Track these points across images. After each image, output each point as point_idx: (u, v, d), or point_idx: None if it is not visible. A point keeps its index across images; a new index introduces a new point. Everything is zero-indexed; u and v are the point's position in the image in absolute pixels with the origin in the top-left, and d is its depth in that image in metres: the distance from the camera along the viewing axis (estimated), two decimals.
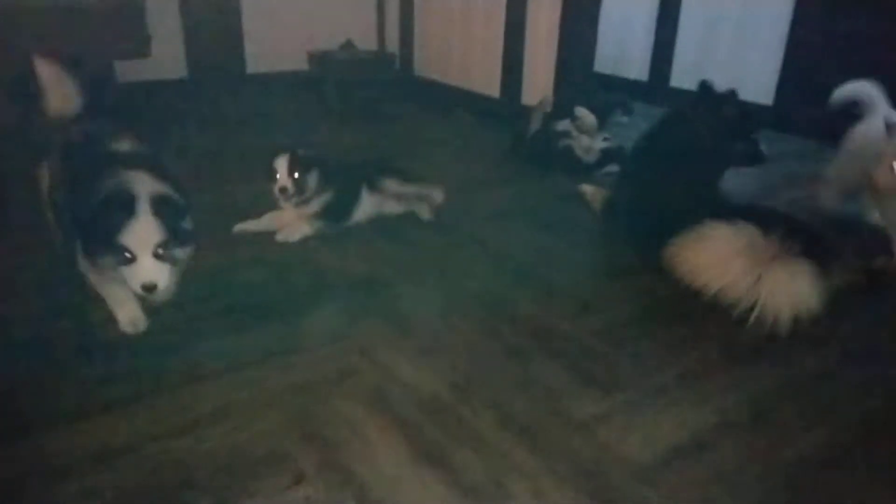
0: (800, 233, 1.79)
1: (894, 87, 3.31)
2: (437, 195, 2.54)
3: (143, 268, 1.54)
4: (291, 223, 2.31)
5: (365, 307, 1.88)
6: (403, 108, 4.33)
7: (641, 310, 1.93)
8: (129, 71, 3.89)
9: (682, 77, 4.31)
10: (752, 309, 1.74)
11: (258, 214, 2.38)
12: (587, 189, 2.67)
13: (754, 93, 3.88)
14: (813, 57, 3.63)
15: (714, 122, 2.19)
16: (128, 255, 1.53)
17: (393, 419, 1.42)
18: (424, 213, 2.50)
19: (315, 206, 2.31)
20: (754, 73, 3.91)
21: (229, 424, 1.39)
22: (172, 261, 1.59)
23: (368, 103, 4.31)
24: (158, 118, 3.74)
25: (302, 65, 4.59)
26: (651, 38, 4.46)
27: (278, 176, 2.24)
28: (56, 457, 1.29)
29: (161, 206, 1.54)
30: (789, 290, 1.71)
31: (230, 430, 1.38)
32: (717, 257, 1.77)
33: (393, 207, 2.52)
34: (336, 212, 2.36)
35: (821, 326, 1.76)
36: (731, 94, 2.20)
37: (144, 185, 1.56)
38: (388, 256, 2.22)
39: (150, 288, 1.54)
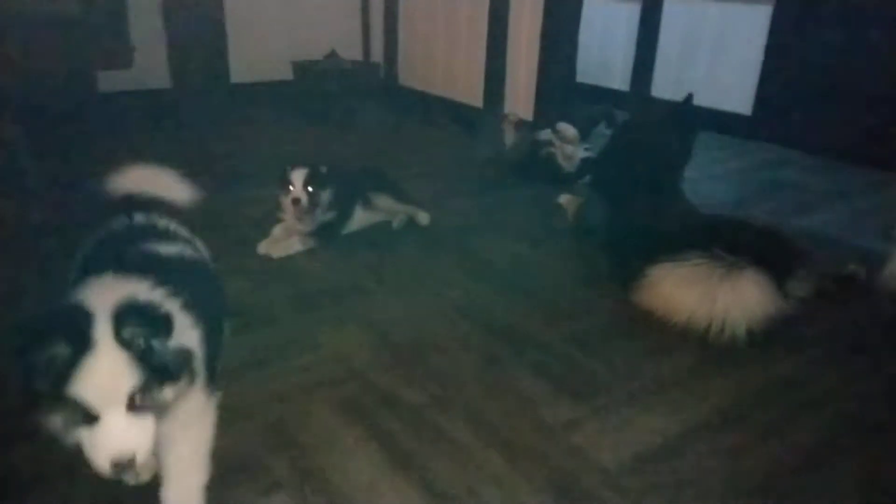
0: (754, 244, 1.82)
1: (870, 98, 3.39)
2: (423, 218, 2.56)
3: (111, 431, 0.91)
4: (282, 237, 2.31)
5: (344, 316, 1.89)
6: (388, 117, 4.35)
7: (616, 318, 1.96)
8: (111, 81, 3.88)
9: (663, 87, 4.37)
10: (712, 327, 1.77)
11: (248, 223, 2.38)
12: (564, 198, 2.70)
13: (732, 103, 3.95)
14: (790, 68, 3.70)
15: (665, 128, 2.25)
16: (86, 413, 0.90)
17: (369, 427, 1.43)
18: (396, 222, 2.55)
19: (316, 221, 2.32)
20: (733, 84, 3.98)
21: None
22: (158, 407, 0.97)
23: (353, 113, 4.33)
24: (141, 128, 3.74)
25: (286, 75, 4.60)
26: (632, 49, 4.52)
27: (292, 188, 2.24)
28: (27, 466, 1.30)
29: (132, 325, 0.92)
30: (740, 305, 1.74)
31: None
32: (674, 293, 1.81)
33: (376, 219, 2.54)
34: (330, 228, 2.37)
35: (791, 333, 1.80)
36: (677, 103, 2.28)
37: (111, 294, 0.95)
38: (368, 265, 2.24)
39: (121, 464, 0.91)
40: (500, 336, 1.82)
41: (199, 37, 4.35)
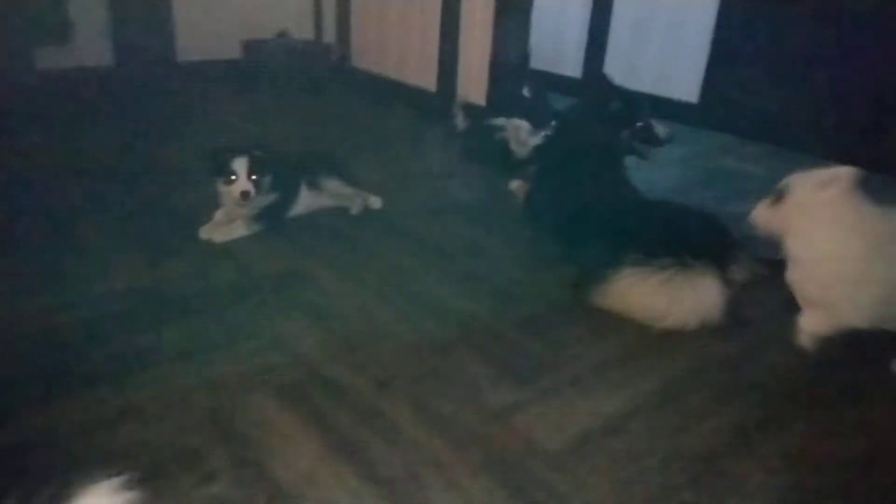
0: (700, 234, 1.86)
1: (810, 87, 3.49)
2: (375, 202, 2.53)
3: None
4: (224, 222, 2.25)
5: (287, 302, 1.86)
6: (340, 100, 4.28)
7: (563, 300, 1.97)
8: (49, 58, 3.71)
9: (615, 74, 4.39)
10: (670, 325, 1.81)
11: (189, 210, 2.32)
12: (515, 184, 2.71)
13: (681, 90, 4.02)
14: (735, 57, 3.78)
15: (601, 115, 2.28)
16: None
17: (310, 414, 1.41)
18: (354, 208, 2.49)
19: (256, 206, 2.25)
20: (681, 72, 4.04)
21: (136, 423, 1.36)
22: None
23: (303, 94, 4.24)
24: (81, 109, 3.59)
25: (235, 54, 4.48)
26: (585, 36, 4.54)
27: (235, 178, 2.16)
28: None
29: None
30: (701, 309, 1.79)
31: (137, 428, 1.35)
32: (637, 301, 1.82)
33: (326, 202, 2.50)
34: (275, 211, 2.30)
35: (728, 316, 1.84)
36: (607, 84, 2.31)
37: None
38: (314, 250, 2.20)
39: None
40: (448, 321, 1.82)
41: (143, 11, 4.19)
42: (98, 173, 2.72)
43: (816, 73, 3.46)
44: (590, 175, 2.19)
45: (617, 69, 4.41)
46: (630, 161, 2.46)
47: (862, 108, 3.29)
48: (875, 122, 3.25)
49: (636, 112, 2.33)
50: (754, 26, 3.69)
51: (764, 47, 3.65)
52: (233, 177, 2.16)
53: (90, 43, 3.93)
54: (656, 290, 1.77)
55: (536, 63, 4.31)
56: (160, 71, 4.26)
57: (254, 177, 2.17)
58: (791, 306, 1.74)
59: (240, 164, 2.16)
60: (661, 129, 2.33)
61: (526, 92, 3.57)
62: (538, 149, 2.55)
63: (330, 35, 4.77)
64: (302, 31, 4.71)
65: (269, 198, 2.27)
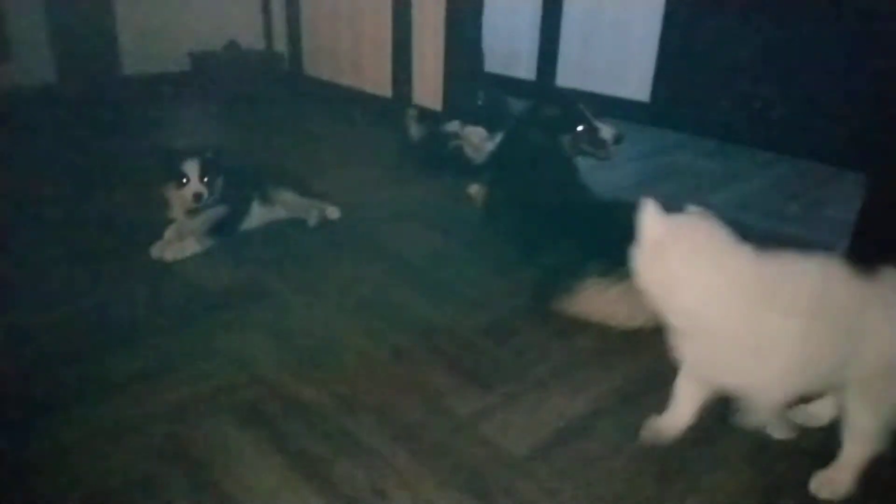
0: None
1: (757, 83, 3.58)
2: (332, 212, 2.49)
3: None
4: (176, 239, 2.18)
5: (244, 319, 1.82)
6: (294, 109, 4.23)
7: (524, 305, 1.97)
8: None
9: (568, 76, 4.45)
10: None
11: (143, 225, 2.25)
12: (473, 188, 2.71)
13: (632, 90, 4.08)
14: (683, 57, 3.85)
15: (538, 121, 2.31)
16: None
17: (270, 434, 1.38)
18: (312, 219, 2.45)
19: (206, 219, 2.19)
20: (632, 72, 4.10)
21: (92, 452, 1.31)
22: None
23: (256, 104, 4.18)
24: (23, 127, 3.47)
25: (184, 66, 4.39)
26: (537, 38, 4.58)
27: (187, 181, 2.11)
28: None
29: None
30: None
31: (94, 458, 1.29)
32: (602, 309, 1.83)
33: (281, 214, 2.45)
34: (226, 226, 2.25)
35: None
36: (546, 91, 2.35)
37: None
38: (270, 264, 2.15)
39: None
40: (411, 330, 1.80)
41: (84, 25, 4.07)
42: (40, 191, 2.63)
43: (761, 68, 3.55)
44: (542, 178, 2.20)
45: (570, 70, 4.47)
46: (588, 162, 2.49)
47: (807, 102, 3.39)
48: (820, 115, 3.35)
49: (574, 117, 2.35)
50: (700, 25, 3.77)
51: (710, 45, 3.73)
52: (184, 180, 2.11)
53: (30, 60, 3.80)
54: (618, 299, 1.78)
55: (491, 66, 4.33)
56: (105, 85, 4.14)
57: (206, 179, 2.13)
58: None
59: (191, 167, 2.11)
60: (608, 130, 2.35)
61: (481, 96, 3.59)
62: (493, 154, 2.55)
63: (281, 43, 4.71)
64: (252, 40, 4.64)
65: (221, 211, 2.22)
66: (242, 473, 1.27)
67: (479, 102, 3.51)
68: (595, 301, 1.83)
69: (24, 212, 2.45)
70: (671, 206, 1.28)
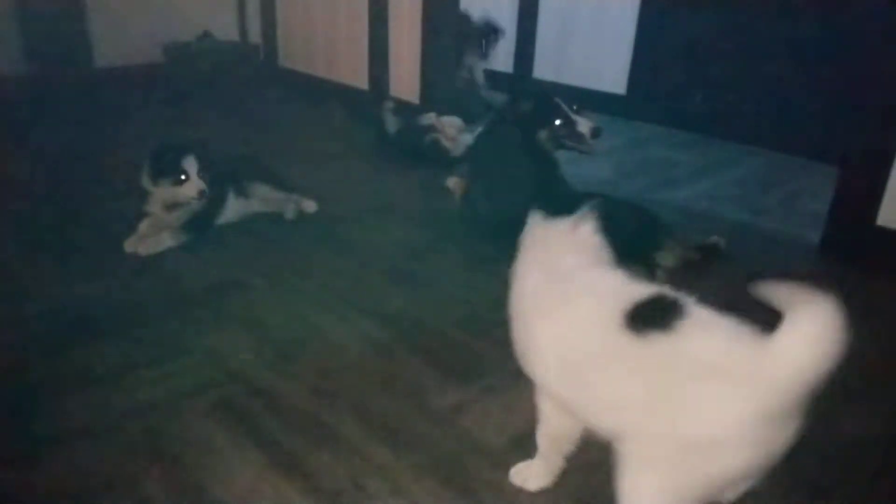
0: (630, 228, 1.91)
1: (729, 77, 3.62)
2: (309, 206, 2.47)
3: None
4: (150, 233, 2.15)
5: (219, 314, 1.80)
6: (269, 101, 4.18)
7: (503, 296, 1.97)
8: None
9: (545, 69, 4.46)
10: None
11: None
12: (452, 181, 2.71)
13: (609, 83, 4.10)
14: (658, 50, 3.88)
15: (518, 116, 2.32)
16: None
17: (248, 430, 1.37)
18: (289, 213, 2.43)
19: (182, 213, 2.16)
20: (609, 65, 4.12)
21: (65, 451, 1.29)
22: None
23: (231, 97, 4.12)
24: None
25: (157, 57, 4.32)
26: (514, 31, 4.58)
27: (186, 177, 2.09)
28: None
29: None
30: None
31: (69, 456, 1.28)
32: None
33: (257, 208, 2.43)
34: (202, 220, 2.22)
35: None
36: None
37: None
38: (246, 258, 2.14)
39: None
40: (389, 324, 1.80)
41: (55, 17, 3.98)
42: (10, 184, 2.58)
43: (735, 62, 3.59)
44: (520, 172, 2.21)
45: (547, 63, 4.48)
46: (566, 155, 2.50)
47: (779, 95, 3.44)
48: (792, 107, 3.40)
49: (550, 111, 2.35)
50: (675, 19, 3.80)
51: (685, 39, 3.77)
52: (183, 176, 2.09)
53: (1, 52, 3.72)
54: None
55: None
56: (77, 78, 4.06)
57: (203, 174, 2.12)
58: (718, 291, 1.79)
59: (189, 163, 2.09)
60: (585, 124, 2.36)
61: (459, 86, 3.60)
62: (472, 146, 2.55)
63: (256, 35, 4.65)
64: (227, 31, 4.58)
65: (196, 205, 2.19)
66: (221, 470, 1.26)
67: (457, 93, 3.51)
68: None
69: None
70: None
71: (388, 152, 3.23)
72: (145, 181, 2.14)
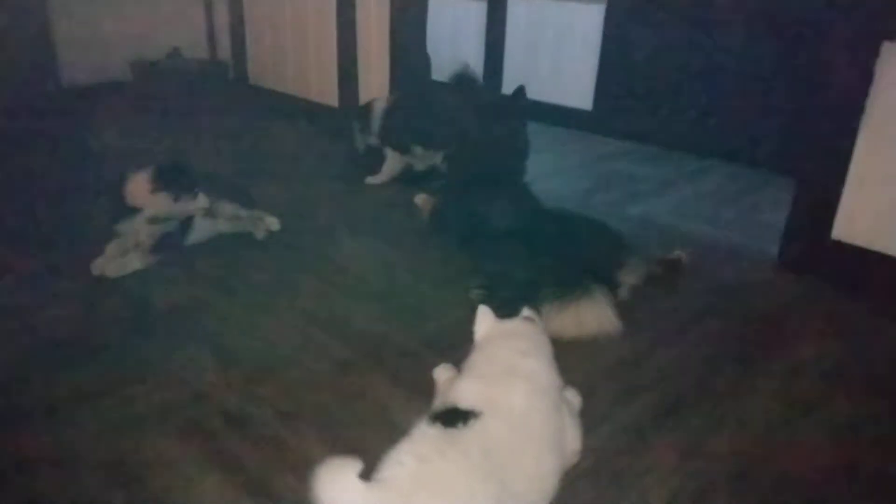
0: (593, 247, 1.96)
1: (692, 92, 3.72)
2: (273, 224, 2.48)
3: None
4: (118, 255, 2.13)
5: (186, 336, 1.80)
6: (239, 118, 4.17)
7: (470, 313, 1.99)
8: None
9: (513, 85, 4.51)
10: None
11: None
12: (420, 198, 2.74)
13: (575, 99, 4.18)
14: (623, 67, 3.97)
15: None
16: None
17: (213, 452, 1.37)
18: (259, 232, 2.43)
19: (151, 233, 2.15)
20: (574, 81, 4.20)
21: (30, 476, 1.28)
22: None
23: (200, 114, 4.11)
24: None
25: (124, 75, 4.30)
26: (482, 47, 4.64)
27: (197, 194, 2.18)
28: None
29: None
30: (594, 323, 1.85)
31: (29, 481, 1.27)
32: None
33: (223, 228, 2.42)
34: (171, 241, 2.21)
35: (630, 316, 1.92)
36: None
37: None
38: (214, 278, 2.13)
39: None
40: (356, 343, 1.81)
41: (18, 35, 3.94)
42: None
43: (697, 79, 3.68)
44: (492, 189, 2.24)
45: (515, 79, 4.54)
46: (531, 170, 2.54)
47: (740, 110, 3.54)
48: (753, 122, 3.50)
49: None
50: (638, 36, 3.88)
51: (648, 56, 3.85)
52: (194, 193, 2.17)
53: None
54: (565, 320, 1.82)
55: (438, 75, 4.37)
56: (43, 97, 4.02)
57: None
58: (679, 302, 1.83)
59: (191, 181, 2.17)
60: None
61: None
62: (440, 164, 2.58)
63: (225, 52, 4.65)
64: (195, 49, 4.57)
65: (168, 226, 2.19)
66: (185, 493, 1.27)
67: None
68: (552, 321, 1.87)
69: None
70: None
71: (358, 169, 3.25)
72: (134, 197, 2.12)
